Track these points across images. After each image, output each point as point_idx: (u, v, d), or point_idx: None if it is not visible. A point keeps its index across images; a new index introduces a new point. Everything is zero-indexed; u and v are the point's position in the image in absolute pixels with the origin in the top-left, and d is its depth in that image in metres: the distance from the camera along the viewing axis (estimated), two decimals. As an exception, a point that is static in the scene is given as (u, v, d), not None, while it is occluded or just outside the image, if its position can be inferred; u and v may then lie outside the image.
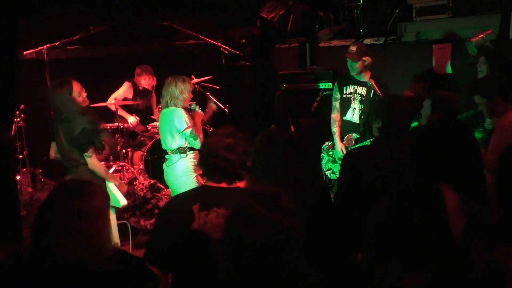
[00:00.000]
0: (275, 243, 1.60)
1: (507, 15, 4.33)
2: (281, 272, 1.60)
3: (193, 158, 4.39)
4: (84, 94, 4.00)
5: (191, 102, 4.51)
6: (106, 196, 2.02)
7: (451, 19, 5.30)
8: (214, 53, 6.88)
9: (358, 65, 4.70)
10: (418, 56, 5.61)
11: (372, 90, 4.68)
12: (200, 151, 2.58)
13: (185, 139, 4.39)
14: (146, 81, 6.26)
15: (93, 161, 3.89)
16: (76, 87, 3.93)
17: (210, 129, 6.43)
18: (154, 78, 6.31)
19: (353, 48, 4.70)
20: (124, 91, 6.25)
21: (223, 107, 6.59)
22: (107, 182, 3.98)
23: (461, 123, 3.04)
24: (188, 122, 4.32)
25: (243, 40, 7.24)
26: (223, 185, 2.45)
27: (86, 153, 3.85)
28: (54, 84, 3.94)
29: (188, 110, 4.49)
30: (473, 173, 2.18)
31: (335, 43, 6.52)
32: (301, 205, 2.25)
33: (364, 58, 4.69)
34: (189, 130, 4.31)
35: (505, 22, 4.35)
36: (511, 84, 3.69)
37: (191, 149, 4.38)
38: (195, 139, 4.33)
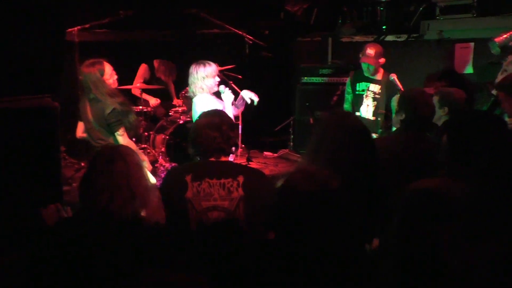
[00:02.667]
0: (315, 221, 1.69)
1: (532, 16, 4.38)
2: (314, 246, 1.71)
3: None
4: (115, 77, 4.10)
5: (219, 86, 4.40)
6: (135, 152, 2.29)
7: (475, 18, 5.35)
8: (237, 43, 6.98)
9: (375, 67, 4.84)
10: (439, 54, 5.68)
11: (386, 86, 4.80)
12: (188, 134, 2.79)
13: None
14: (161, 73, 6.51)
15: (125, 140, 3.98)
16: (108, 69, 4.03)
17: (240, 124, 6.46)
18: (172, 71, 6.56)
19: (371, 52, 4.80)
20: (142, 73, 6.43)
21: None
22: None
23: (496, 116, 3.12)
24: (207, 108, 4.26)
25: (266, 32, 7.34)
26: (212, 159, 2.67)
27: (117, 132, 3.95)
28: (87, 64, 4.02)
29: (218, 95, 4.43)
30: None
31: (357, 38, 6.59)
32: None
33: (380, 61, 4.81)
34: None
35: (529, 23, 4.41)
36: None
37: None
38: None
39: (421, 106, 3.15)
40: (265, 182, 2.68)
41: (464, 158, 2.22)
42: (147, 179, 2.21)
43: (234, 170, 2.64)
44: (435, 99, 3.62)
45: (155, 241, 2.01)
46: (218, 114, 2.81)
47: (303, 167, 1.82)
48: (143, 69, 6.48)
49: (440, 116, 3.55)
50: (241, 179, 2.57)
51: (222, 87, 4.44)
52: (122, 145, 2.31)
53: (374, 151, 2.58)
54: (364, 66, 4.89)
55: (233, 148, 2.79)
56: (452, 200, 1.89)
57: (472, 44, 5.23)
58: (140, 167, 2.19)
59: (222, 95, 4.43)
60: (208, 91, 4.33)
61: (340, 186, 1.76)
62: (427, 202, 1.82)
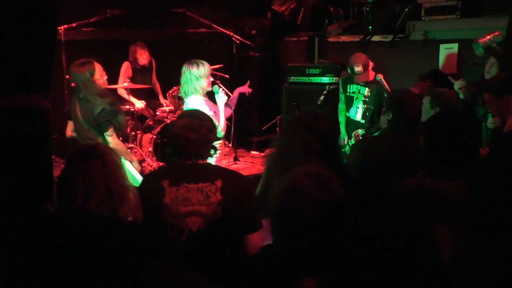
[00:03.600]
0: (323, 222, 1.67)
1: (515, 18, 4.46)
2: (321, 249, 1.70)
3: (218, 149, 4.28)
4: (105, 77, 4.11)
5: (212, 86, 4.29)
6: (114, 151, 2.27)
7: (459, 19, 5.43)
8: (224, 43, 7.00)
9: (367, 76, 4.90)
10: (425, 55, 5.76)
11: (377, 87, 4.85)
12: (166, 134, 2.72)
13: None
14: (143, 56, 6.40)
15: (114, 140, 4.00)
16: (98, 69, 4.03)
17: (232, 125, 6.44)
18: (149, 54, 6.46)
19: (359, 69, 4.82)
20: (124, 72, 6.40)
21: (231, 95, 6.73)
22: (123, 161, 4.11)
23: (471, 116, 3.19)
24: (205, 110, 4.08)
25: (254, 31, 7.36)
26: (189, 162, 2.60)
27: (106, 132, 3.96)
28: (77, 63, 4.02)
29: (212, 95, 4.31)
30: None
31: (343, 38, 6.65)
32: None
33: (370, 68, 4.88)
34: None
35: (512, 24, 4.48)
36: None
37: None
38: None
39: (408, 106, 3.20)
40: (244, 185, 2.62)
41: (440, 157, 2.28)
42: (125, 178, 2.18)
43: (212, 174, 2.57)
44: (427, 99, 3.66)
45: (131, 240, 2.00)
46: (198, 116, 2.71)
47: (306, 168, 1.79)
48: (125, 67, 6.45)
49: None
50: (219, 183, 2.52)
51: (216, 88, 4.34)
52: (100, 144, 2.30)
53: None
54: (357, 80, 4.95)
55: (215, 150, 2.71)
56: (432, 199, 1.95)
57: (456, 45, 5.30)
58: (118, 166, 2.17)
59: (216, 96, 4.33)
60: (201, 92, 4.22)
61: (341, 187, 1.75)
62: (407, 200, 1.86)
